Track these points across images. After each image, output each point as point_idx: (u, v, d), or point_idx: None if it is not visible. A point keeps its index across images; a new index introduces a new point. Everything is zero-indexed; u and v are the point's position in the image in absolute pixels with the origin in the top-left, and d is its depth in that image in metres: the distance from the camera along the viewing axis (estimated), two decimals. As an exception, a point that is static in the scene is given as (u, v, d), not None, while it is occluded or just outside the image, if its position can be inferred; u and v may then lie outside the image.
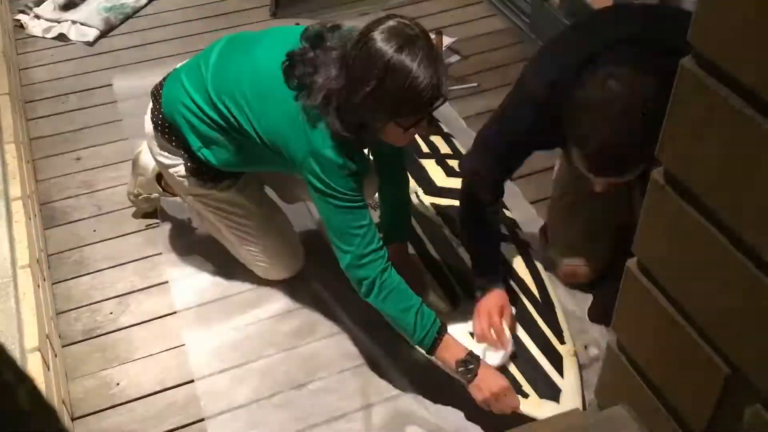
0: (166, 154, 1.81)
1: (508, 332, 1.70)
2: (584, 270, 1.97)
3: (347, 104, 1.47)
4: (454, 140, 2.34)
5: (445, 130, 2.38)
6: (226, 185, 1.83)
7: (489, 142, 1.73)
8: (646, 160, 1.37)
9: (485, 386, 1.56)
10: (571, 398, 1.64)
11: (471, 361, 1.58)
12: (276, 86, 1.56)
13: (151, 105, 1.81)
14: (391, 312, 1.60)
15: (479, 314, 1.72)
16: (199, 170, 1.78)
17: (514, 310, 1.78)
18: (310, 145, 1.52)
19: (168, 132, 1.77)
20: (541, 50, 1.72)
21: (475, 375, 1.57)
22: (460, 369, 1.58)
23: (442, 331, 1.60)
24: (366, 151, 1.66)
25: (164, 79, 1.82)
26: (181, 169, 1.81)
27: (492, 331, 1.69)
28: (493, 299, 1.72)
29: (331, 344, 1.86)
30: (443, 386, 1.72)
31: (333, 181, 1.53)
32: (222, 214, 1.88)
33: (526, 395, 1.64)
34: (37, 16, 3.13)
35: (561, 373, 1.69)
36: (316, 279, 2.02)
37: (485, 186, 1.76)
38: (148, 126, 1.82)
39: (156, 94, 1.80)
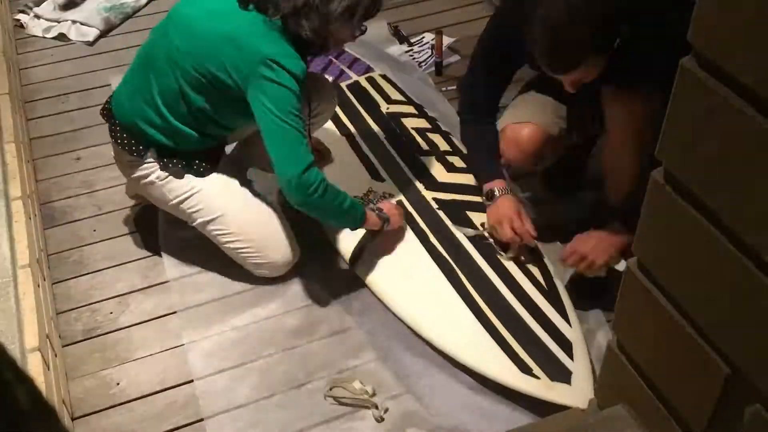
0: (138, 167, 1.88)
1: (532, 230, 1.87)
2: (531, 128, 1.90)
3: (320, 13, 1.65)
4: (453, 138, 2.35)
5: (444, 128, 2.39)
6: (202, 168, 1.88)
7: (475, 56, 1.96)
8: (595, 50, 1.54)
9: (394, 217, 1.93)
10: (583, 380, 1.64)
11: (382, 213, 1.90)
12: (206, 19, 1.71)
13: (108, 127, 1.91)
14: (334, 206, 1.76)
15: (500, 222, 1.87)
16: (170, 161, 1.86)
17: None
18: (265, 54, 1.63)
19: (132, 143, 1.85)
20: None
21: (389, 218, 1.92)
22: (381, 223, 1.90)
23: (363, 208, 1.86)
24: None
25: (110, 98, 1.93)
26: (156, 172, 1.87)
27: (518, 235, 1.86)
28: (507, 205, 1.88)
29: (331, 344, 1.86)
30: (444, 387, 1.73)
31: (291, 86, 1.64)
32: (204, 216, 1.91)
33: (537, 378, 1.65)
34: (37, 16, 3.13)
35: (571, 356, 1.70)
36: (316, 278, 2.02)
37: (478, 98, 1.96)
38: (117, 151, 1.92)
39: (107, 114, 1.91)
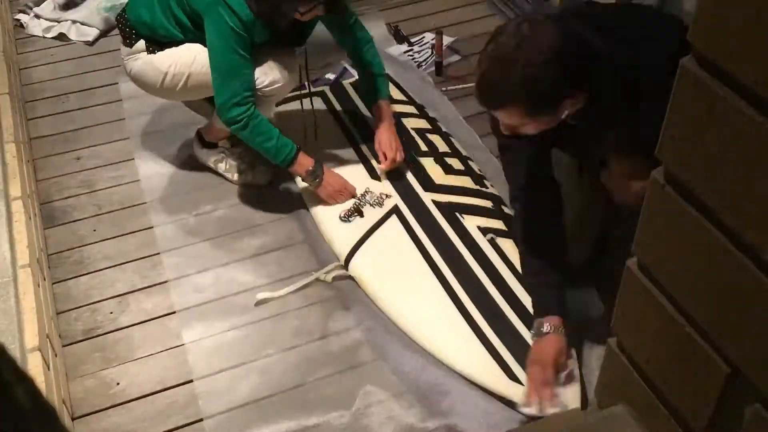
0: (134, 56, 2.08)
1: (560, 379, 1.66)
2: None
3: None
4: (452, 139, 2.35)
5: (444, 129, 2.39)
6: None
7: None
8: (528, 106, 1.42)
9: (328, 185, 2.08)
10: (569, 389, 1.64)
11: (316, 170, 2.06)
12: None
13: (118, 30, 2.11)
14: (258, 141, 1.99)
15: (532, 365, 1.65)
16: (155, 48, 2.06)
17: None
18: None
19: (131, 35, 2.07)
20: None
21: (321, 179, 2.07)
22: (308, 177, 2.06)
23: (297, 152, 2.03)
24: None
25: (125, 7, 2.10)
26: (142, 55, 2.06)
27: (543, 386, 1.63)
28: (548, 348, 1.65)
29: (330, 344, 1.86)
30: (443, 388, 1.73)
31: (235, 25, 1.88)
32: (195, 65, 2.03)
33: (522, 384, 1.65)
34: (37, 16, 3.13)
35: None
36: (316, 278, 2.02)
37: (518, 173, 1.77)
38: (124, 51, 2.11)
39: (121, 18, 2.10)
